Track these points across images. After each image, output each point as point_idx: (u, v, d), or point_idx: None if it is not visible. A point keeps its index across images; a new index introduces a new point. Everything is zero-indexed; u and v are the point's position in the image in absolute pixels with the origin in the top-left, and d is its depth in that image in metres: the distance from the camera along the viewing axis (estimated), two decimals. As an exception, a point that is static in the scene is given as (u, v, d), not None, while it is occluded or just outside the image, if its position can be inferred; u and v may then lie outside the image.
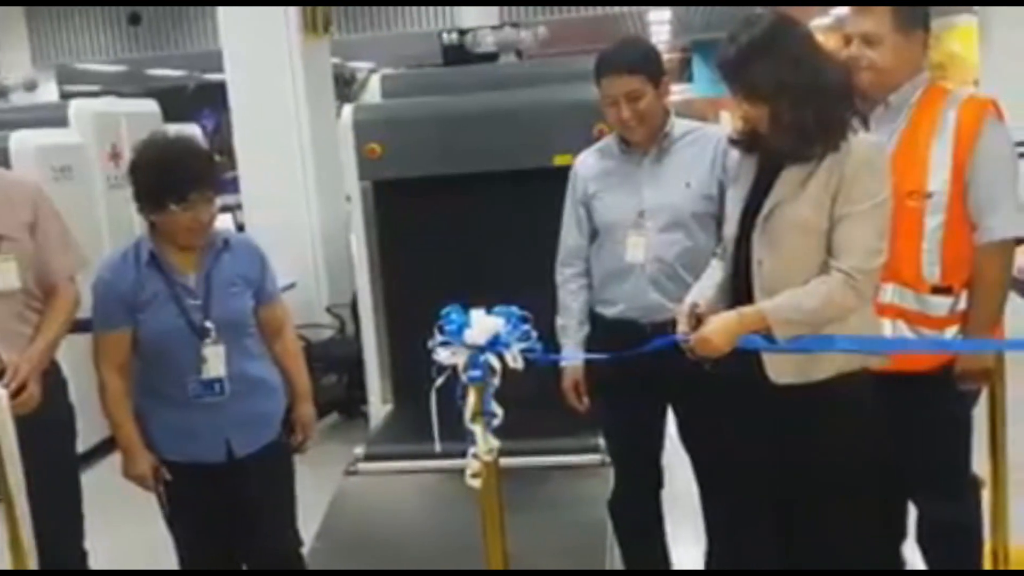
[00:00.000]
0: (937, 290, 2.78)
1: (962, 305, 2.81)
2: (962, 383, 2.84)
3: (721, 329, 2.48)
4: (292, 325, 3.42)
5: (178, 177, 2.88)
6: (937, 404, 2.85)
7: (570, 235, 3.22)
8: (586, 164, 3.21)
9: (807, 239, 2.49)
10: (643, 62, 3.00)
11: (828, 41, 3.10)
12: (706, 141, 3.07)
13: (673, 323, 2.64)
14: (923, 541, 3.06)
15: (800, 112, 2.44)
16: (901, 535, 3.17)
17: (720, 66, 2.52)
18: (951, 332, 2.81)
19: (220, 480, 3.03)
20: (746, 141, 2.64)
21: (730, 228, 2.68)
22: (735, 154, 2.72)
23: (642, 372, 2.85)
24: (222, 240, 3.06)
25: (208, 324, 2.95)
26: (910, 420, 2.79)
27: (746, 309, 2.51)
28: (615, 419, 3.27)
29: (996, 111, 2.80)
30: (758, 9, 2.53)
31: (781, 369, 2.55)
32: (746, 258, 2.59)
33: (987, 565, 3.30)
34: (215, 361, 2.96)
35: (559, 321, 3.20)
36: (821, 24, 14.13)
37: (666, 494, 3.33)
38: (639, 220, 3.05)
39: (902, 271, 2.70)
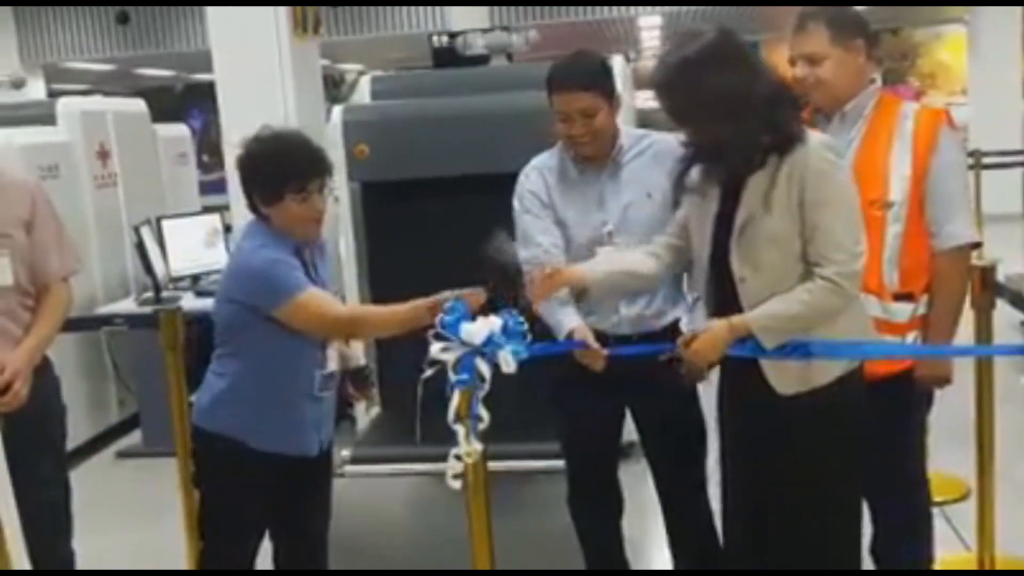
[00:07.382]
0: (899, 297, 2.86)
1: (922, 310, 2.90)
2: (921, 386, 2.94)
3: (711, 340, 2.52)
4: None
5: (298, 167, 2.86)
6: (898, 408, 2.89)
7: (545, 235, 3.03)
8: (544, 171, 3.12)
9: (784, 250, 2.51)
10: (597, 78, 2.97)
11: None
12: (658, 147, 3.05)
13: (640, 336, 2.79)
14: (876, 541, 3.09)
15: (715, 132, 2.47)
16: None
17: (651, 86, 2.52)
18: (912, 336, 2.89)
19: (306, 472, 3.02)
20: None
21: (702, 244, 2.66)
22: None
23: (602, 374, 2.83)
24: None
25: None
26: (871, 423, 2.81)
27: (735, 319, 2.53)
28: (570, 419, 3.19)
29: (949, 120, 2.90)
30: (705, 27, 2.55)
31: (784, 380, 2.56)
32: (728, 275, 2.58)
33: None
34: (332, 354, 2.99)
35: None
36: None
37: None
38: (607, 238, 3.00)
39: (867, 279, 2.72)
